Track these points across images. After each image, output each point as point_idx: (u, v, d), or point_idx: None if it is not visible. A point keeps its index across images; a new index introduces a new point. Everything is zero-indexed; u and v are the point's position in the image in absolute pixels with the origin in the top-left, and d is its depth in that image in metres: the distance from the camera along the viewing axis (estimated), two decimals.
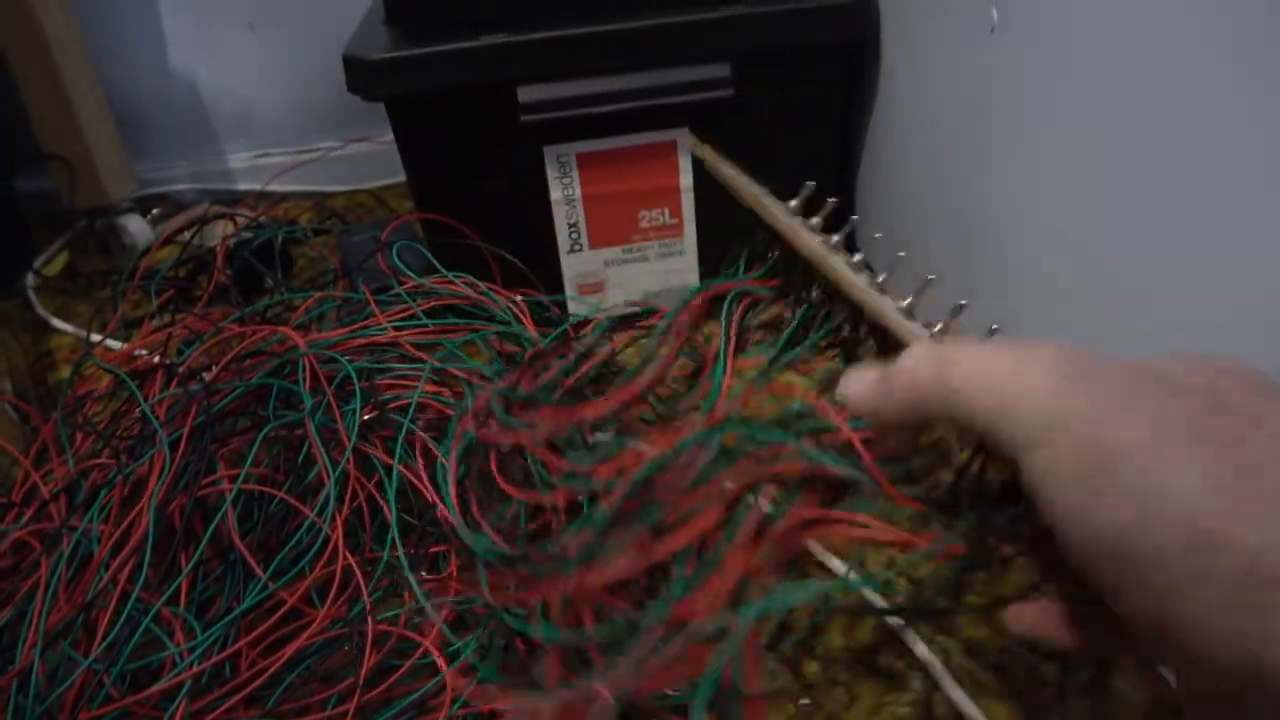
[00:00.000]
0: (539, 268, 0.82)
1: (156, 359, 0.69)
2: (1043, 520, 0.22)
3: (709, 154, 0.48)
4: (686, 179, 0.82)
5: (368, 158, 1.18)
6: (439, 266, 0.69)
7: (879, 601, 0.54)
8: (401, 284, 0.69)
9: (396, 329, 0.63)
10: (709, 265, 0.86)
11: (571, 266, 0.85)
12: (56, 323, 0.94)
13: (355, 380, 0.59)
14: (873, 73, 0.81)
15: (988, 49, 0.62)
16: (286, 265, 0.98)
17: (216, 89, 1.19)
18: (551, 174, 0.81)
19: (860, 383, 0.26)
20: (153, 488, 0.53)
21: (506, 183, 0.82)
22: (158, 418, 0.59)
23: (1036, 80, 0.57)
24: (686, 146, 0.49)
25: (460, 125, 0.79)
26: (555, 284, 0.84)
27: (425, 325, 0.64)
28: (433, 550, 0.56)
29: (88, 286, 1.02)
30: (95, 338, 0.80)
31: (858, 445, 0.28)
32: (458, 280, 0.67)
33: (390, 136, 1.16)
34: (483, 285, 0.68)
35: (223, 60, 1.17)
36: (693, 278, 0.86)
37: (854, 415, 0.26)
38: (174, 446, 0.57)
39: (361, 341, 0.63)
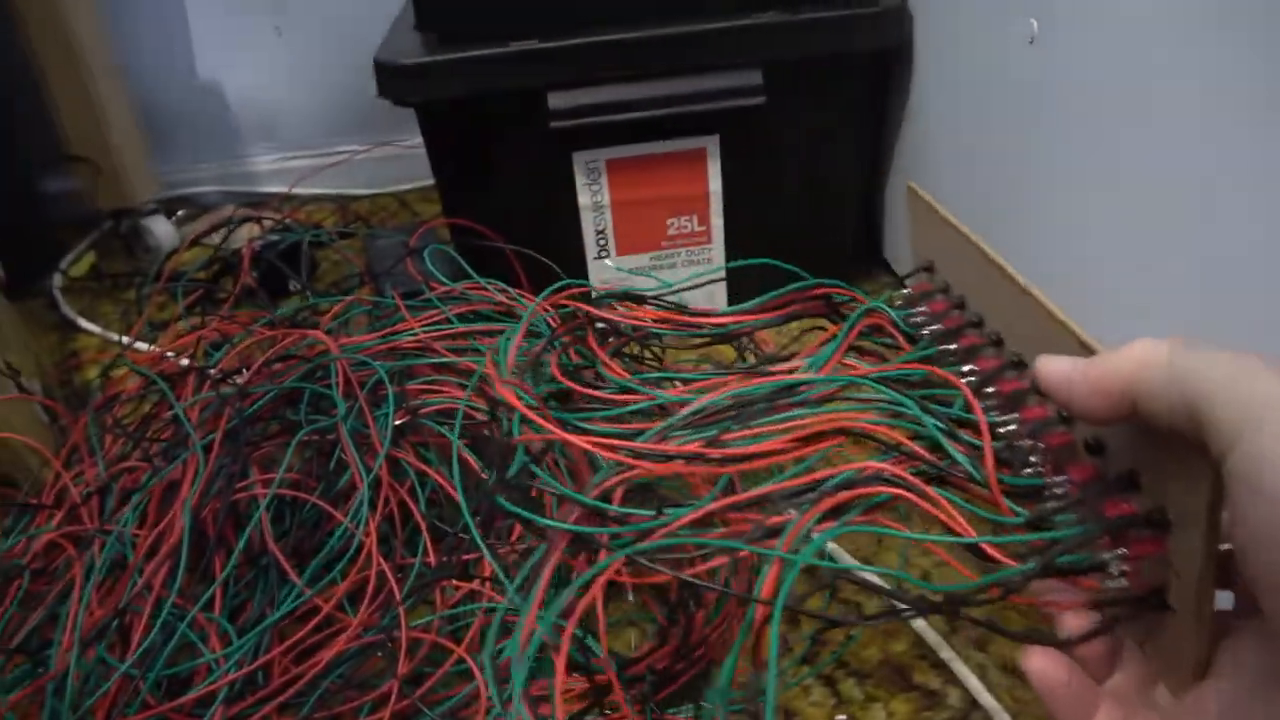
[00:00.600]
0: (565, 274, 0.81)
1: (186, 362, 0.69)
2: (1233, 497, 0.21)
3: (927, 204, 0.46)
4: (715, 185, 0.81)
5: (391, 161, 1.18)
6: (471, 272, 0.69)
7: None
8: (432, 289, 0.68)
9: (427, 333, 0.63)
10: (737, 276, 0.85)
11: (598, 273, 0.84)
12: (83, 323, 0.94)
13: (389, 385, 0.58)
14: (904, 81, 0.81)
15: (1026, 60, 0.62)
16: (311, 268, 0.98)
17: (241, 92, 1.19)
18: (580, 180, 0.80)
19: (1060, 360, 0.25)
20: (186, 492, 0.53)
21: (534, 188, 0.82)
22: (190, 421, 0.59)
23: (1077, 92, 0.57)
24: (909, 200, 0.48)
25: (489, 130, 0.79)
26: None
27: (456, 329, 0.64)
28: (465, 558, 0.56)
29: (113, 287, 1.02)
30: (126, 340, 0.80)
31: (984, 430, 0.27)
32: (490, 286, 0.66)
33: (414, 140, 1.17)
34: (513, 291, 0.68)
35: (248, 64, 1.17)
36: (720, 287, 0.86)
37: (1049, 388, 0.25)
38: (206, 450, 0.57)
39: (392, 346, 0.63)
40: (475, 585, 0.53)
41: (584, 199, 0.81)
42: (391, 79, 0.76)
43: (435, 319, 0.66)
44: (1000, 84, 0.66)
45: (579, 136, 0.78)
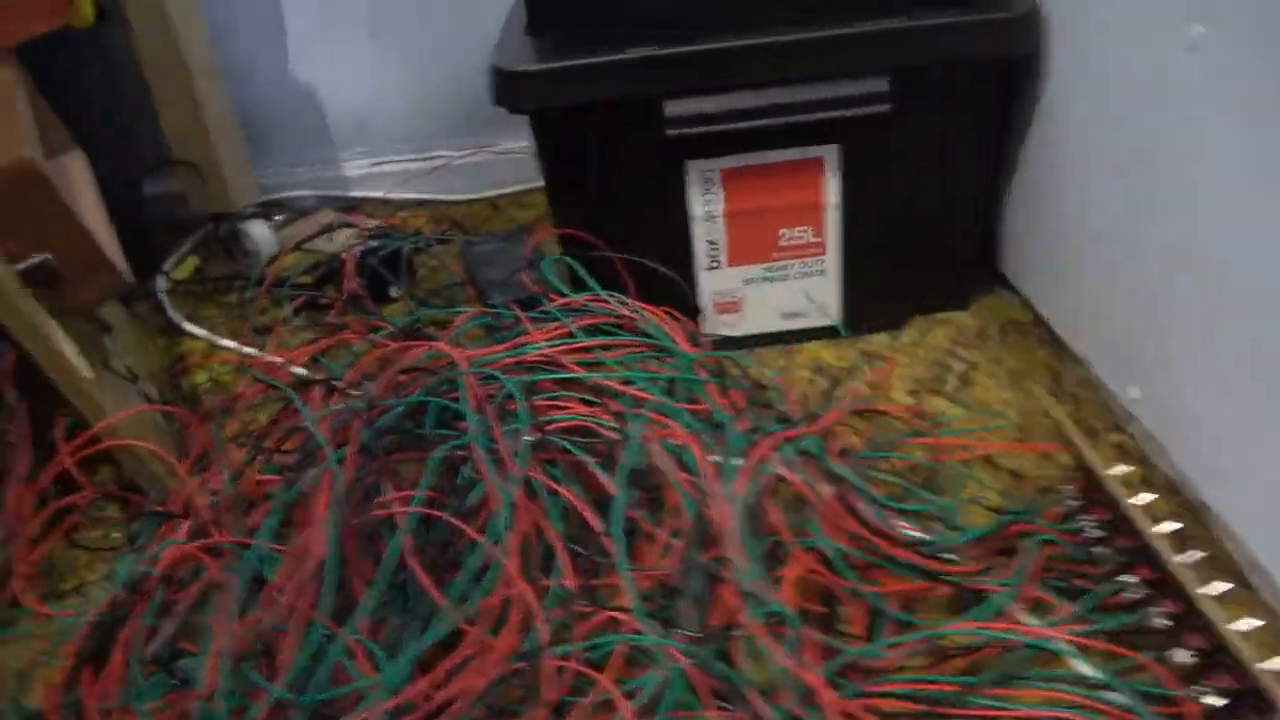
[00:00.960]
0: (672, 284, 0.80)
1: (303, 371, 0.69)
2: None
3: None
4: (832, 196, 0.79)
5: (484, 167, 1.17)
6: (592, 284, 0.67)
7: None
8: (550, 300, 0.67)
9: (553, 348, 0.62)
10: (851, 289, 0.83)
11: (709, 284, 0.82)
12: (188, 326, 0.95)
13: (520, 401, 0.57)
14: (1034, 87, 0.77)
15: (1185, 66, 0.59)
16: (411, 274, 0.98)
17: (336, 97, 1.19)
18: (694, 189, 0.79)
19: None
20: (324, 510, 0.53)
21: (646, 197, 0.80)
22: (321, 433, 0.58)
23: (1243, 98, 0.54)
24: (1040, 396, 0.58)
25: (603, 138, 0.77)
26: (687, 301, 0.82)
27: (583, 344, 0.63)
28: (596, 583, 0.54)
29: (213, 290, 1.03)
30: (240, 348, 0.80)
31: None
32: (612, 299, 0.65)
33: (507, 145, 1.17)
34: (633, 304, 0.66)
35: (343, 68, 1.17)
36: (833, 299, 0.83)
37: None
38: (339, 463, 0.56)
39: (519, 360, 0.62)
40: (616, 615, 0.51)
41: (697, 208, 0.79)
42: (509, 86, 0.75)
43: (559, 332, 0.65)
44: (1154, 92, 0.62)
45: (694, 145, 0.76)
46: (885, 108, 0.74)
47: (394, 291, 0.96)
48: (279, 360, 0.75)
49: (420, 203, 1.17)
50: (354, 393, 0.61)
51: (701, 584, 0.52)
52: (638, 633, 0.50)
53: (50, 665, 0.60)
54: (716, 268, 0.82)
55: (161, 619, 0.58)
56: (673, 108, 0.74)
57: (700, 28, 0.74)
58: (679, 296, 0.80)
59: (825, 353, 0.84)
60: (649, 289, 0.79)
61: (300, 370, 0.73)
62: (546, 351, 0.62)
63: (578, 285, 0.77)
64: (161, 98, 1.02)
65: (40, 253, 0.61)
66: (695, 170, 0.78)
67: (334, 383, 0.62)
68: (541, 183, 1.16)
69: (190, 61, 1.01)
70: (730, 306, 0.84)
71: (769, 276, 0.82)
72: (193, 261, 1.05)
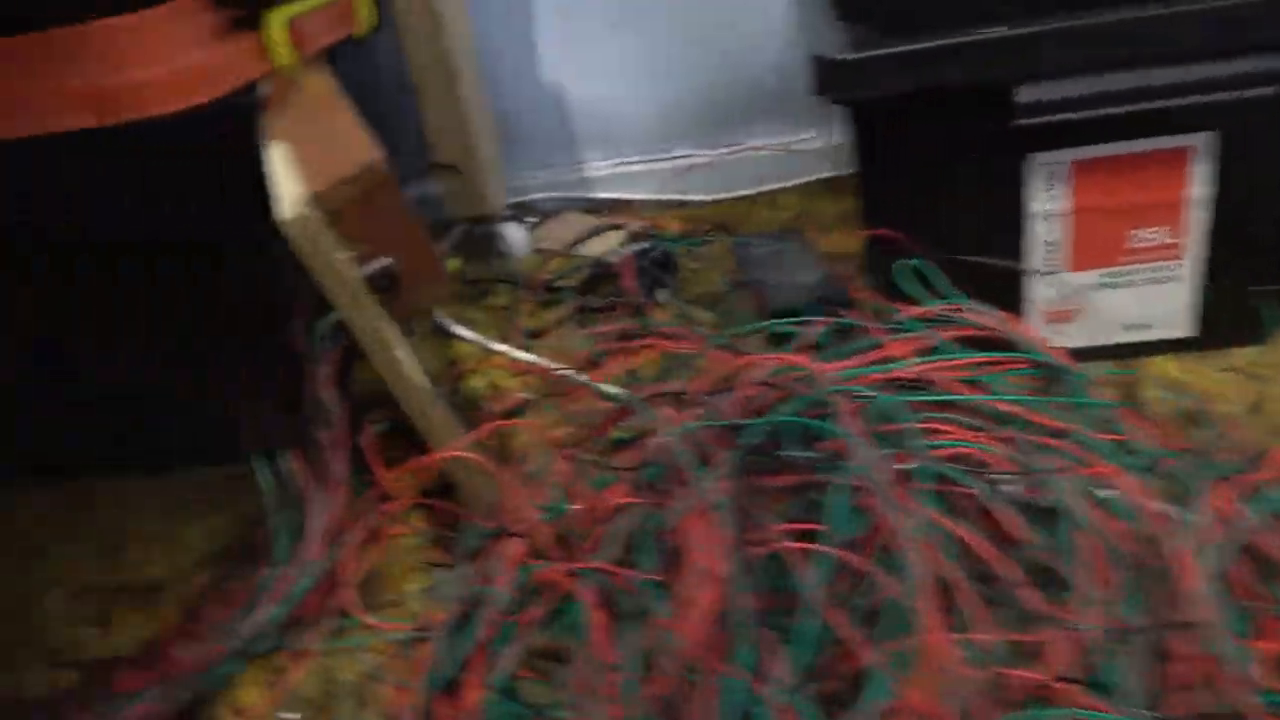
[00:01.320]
0: (992, 289, 0.72)
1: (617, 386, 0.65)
2: None
3: None
4: (1198, 191, 0.69)
5: (734, 165, 1.12)
6: (953, 291, 0.61)
7: None
8: (899, 309, 0.61)
9: (926, 364, 0.55)
10: (1208, 296, 0.73)
11: (1042, 289, 0.74)
12: (459, 330, 0.94)
13: (906, 424, 0.51)
14: None
15: None
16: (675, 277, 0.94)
17: (579, 96, 1.17)
18: (1035, 184, 0.70)
19: None
20: (705, 540, 0.48)
21: (975, 193, 0.72)
22: (686, 453, 0.53)
23: None
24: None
25: (937, 129, 0.70)
26: (1008, 307, 0.73)
27: (959, 361, 0.56)
28: (1017, 638, 0.47)
29: (475, 294, 1.02)
30: (523, 355, 0.78)
31: None
32: (982, 310, 0.58)
33: (755, 143, 1.12)
34: (996, 313, 0.59)
35: (587, 67, 1.15)
36: (1185, 308, 0.73)
37: None
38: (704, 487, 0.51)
39: (886, 376, 0.56)
40: (1052, 682, 0.44)
41: (1036, 205, 0.71)
42: (834, 75, 0.69)
43: (919, 344, 0.58)
44: None
45: (1042, 135, 0.68)
46: (1277, 90, 0.64)
47: (661, 295, 0.92)
48: (566, 368, 0.72)
49: (669, 204, 1.12)
50: (705, 408, 0.57)
51: (1150, 651, 0.45)
52: (1087, 705, 0.43)
53: (386, 681, 0.59)
54: (1053, 271, 0.73)
55: (505, 644, 0.55)
56: (1026, 93, 0.66)
57: (1045, 3, 0.65)
58: (999, 302, 0.72)
59: (1172, 367, 0.74)
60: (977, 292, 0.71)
61: (597, 383, 0.70)
62: (921, 369, 0.55)
63: (898, 291, 0.71)
64: (428, 101, 1.02)
65: (383, 256, 0.60)
66: (1039, 163, 0.70)
67: (682, 396, 0.58)
68: (796, 181, 1.12)
69: (458, 64, 1.00)
70: (1063, 315, 0.75)
71: (1111, 282, 0.73)
72: (455, 264, 1.05)
